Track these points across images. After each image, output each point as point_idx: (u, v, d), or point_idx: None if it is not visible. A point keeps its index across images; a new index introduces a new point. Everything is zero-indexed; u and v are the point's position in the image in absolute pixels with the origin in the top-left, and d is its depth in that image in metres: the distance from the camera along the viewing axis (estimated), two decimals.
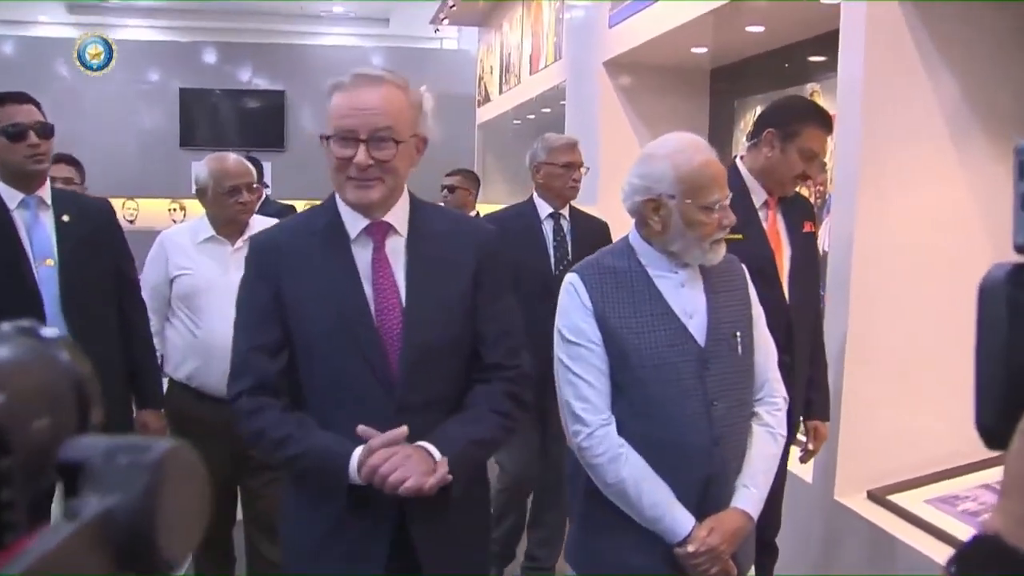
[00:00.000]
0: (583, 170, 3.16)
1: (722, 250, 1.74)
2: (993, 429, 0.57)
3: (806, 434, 2.48)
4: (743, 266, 1.86)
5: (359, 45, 11.40)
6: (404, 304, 1.58)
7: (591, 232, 3.11)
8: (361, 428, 1.49)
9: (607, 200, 4.16)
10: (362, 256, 1.60)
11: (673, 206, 1.71)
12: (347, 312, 1.56)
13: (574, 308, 1.77)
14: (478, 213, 4.18)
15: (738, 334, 1.75)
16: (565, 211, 3.13)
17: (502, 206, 8.50)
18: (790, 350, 2.32)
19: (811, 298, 2.47)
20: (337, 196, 1.63)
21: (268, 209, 3.79)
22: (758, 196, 2.37)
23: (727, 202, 1.73)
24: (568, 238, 3.09)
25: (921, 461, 2.66)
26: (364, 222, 1.60)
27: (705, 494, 1.72)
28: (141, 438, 0.45)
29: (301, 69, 10.70)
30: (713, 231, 1.72)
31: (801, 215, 2.45)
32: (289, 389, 1.59)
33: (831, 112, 2.54)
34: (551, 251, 3.06)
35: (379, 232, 1.62)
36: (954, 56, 2.58)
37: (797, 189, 2.50)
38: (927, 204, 2.63)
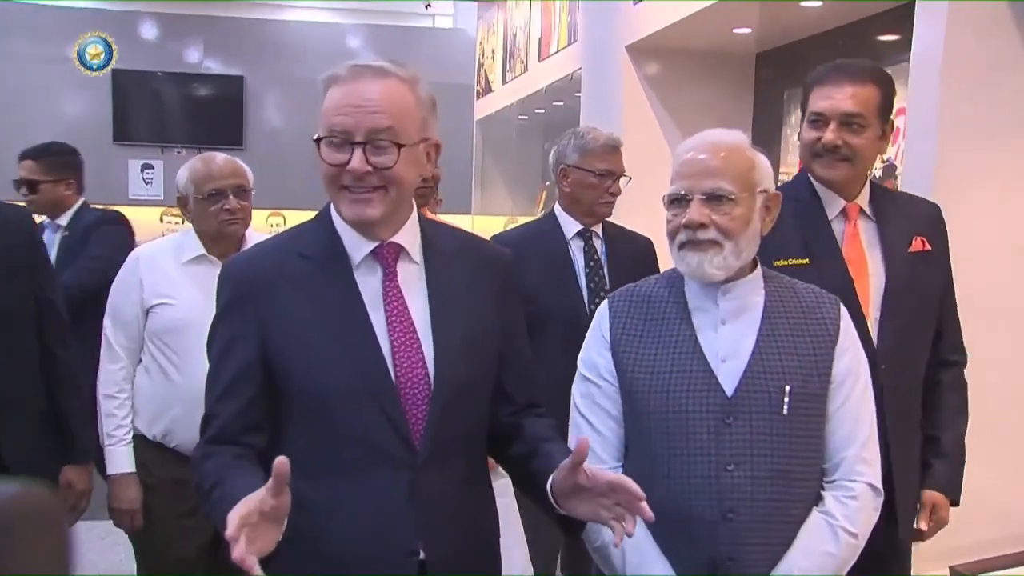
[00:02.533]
0: (624, 180, 2.94)
1: (691, 259, 1.70)
2: None
3: (920, 508, 2.29)
4: (841, 308, 1.79)
5: (333, 22, 11.49)
6: (432, 345, 1.60)
7: (630, 254, 2.93)
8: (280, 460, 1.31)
9: (630, 213, 4.16)
10: (368, 285, 1.61)
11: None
12: (359, 361, 1.56)
13: (593, 339, 1.82)
14: None
15: (788, 388, 1.68)
16: (598, 228, 2.95)
17: (503, 218, 8.54)
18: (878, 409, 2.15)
19: (922, 339, 2.26)
20: (334, 212, 1.64)
21: (87, 217, 3.69)
22: (832, 206, 2.22)
23: (696, 197, 1.69)
24: (604, 262, 2.91)
25: (1016, 535, 2.64)
26: (370, 244, 1.61)
27: None
28: None
29: (263, 50, 10.78)
30: (673, 231, 1.73)
31: (909, 227, 2.24)
32: (275, 448, 1.56)
33: (901, 105, 2.52)
34: (583, 280, 2.87)
35: (389, 256, 1.63)
36: None
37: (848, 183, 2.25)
38: (1021, 214, 2.63)
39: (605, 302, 1.84)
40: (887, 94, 2.19)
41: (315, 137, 1.57)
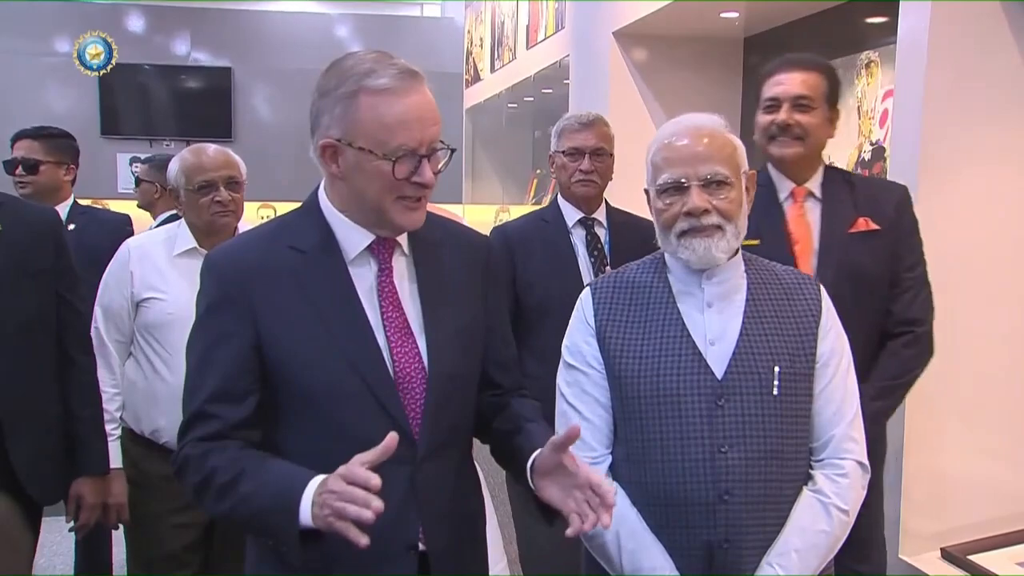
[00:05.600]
0: (605, 158, 2.85)
1: (698, 245, 1.69)
2: None
3: None
4: (822, 290, 1.81)
5: (322, 12, 11.46)
6: (424, 338, 1.61)
7: (634, 241, 2.75)
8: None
9: (619, 199, 4.16)
10: (362, 279, 1.60)
11: (651, 196, 1.78)
12: (357, 355, 1.55)
13: (577, 326, 1.81)
14: None
15: (777, 369, 1.70)
16: (600, 215, 2.87)
17: (494, 207, 8.51)
18: None
19: (857, 317, 2.25)
20: (325, 205, 1.62)
21: (102, 219, 3.53)
22: (783, 189, 2.38)
23: (695, 183, 1.69)
24: (608, 251, 2.82)
25: (1007, 515, 2.65)
26: (367, 239, 1.60)
27: (711, 563, 1.67)
28: None
29: (251, 41, 10.75)
30: (671, 220, 1.72)
31: (854, 209, 2.35)
32: (272, 445, 1.58)
33: (889, 87, 2.53)
34: (584, 270, 2.78)
35: (386, 251, 1.63)
36: None
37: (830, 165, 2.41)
38: (1009, 198, 2.63)
39: (587, 288, 1.84)
40: (832, 83, 2.39)
41: (357, 144, 1.52)
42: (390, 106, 1.51)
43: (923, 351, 2.36)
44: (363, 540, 1.35)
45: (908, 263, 2.36)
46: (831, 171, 2.44)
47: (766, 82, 2.40)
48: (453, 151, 1.58)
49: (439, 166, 1.56)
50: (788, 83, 2.35)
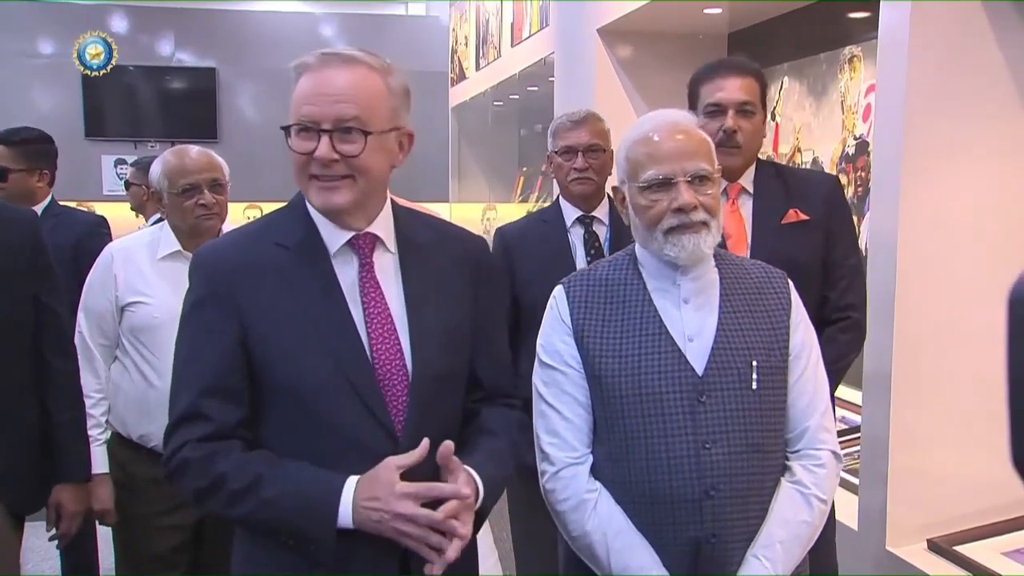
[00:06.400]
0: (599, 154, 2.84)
1: (687, 242, 1.70)
2: None
3: None
4: (789, 282, 1.84)
5: (307, 12, 11.42)
6: (408, 336, 1.61)
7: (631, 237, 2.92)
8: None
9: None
10: (345, 275, 1.61)
11: (626, 192, 1.78)
12: (339, 351, 1.56)
13: (552, 325, 1.81)
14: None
15: (754, 363, 1.72)
16: (602, 212, 2.86)
17: (481, 205, 8.49)
18: None
19: None
20: (308, 202, 1.64)
21: (73, 221, 3.43)
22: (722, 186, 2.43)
23: (682, 179, 1.70)
24: (606, 249, 2.81)
25: (992, 507, 2.67)
26: (346, 234, 1.62)
27: (698, 559, 1.68)
28: None
29: (236, 41, 10.70)
30: (658, 216, 1.72)
31: (784, 201, 2.42)
32: (255, 441, 1.59)
33: (872, 82, 2.54)
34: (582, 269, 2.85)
35: (365, 246, 1.63)
36: None
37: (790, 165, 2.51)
38: (991, 192, 2.64)
39: (560, 287, 1.83)
40: (764, 86, 2.47)
41: (283, 125, 1.57)
42: (303, 82, 1.56)
43: (858, 336, 2.43)
44: (436, 570, 1.45)
45: (842, 251, 2.42)
46: (763, 165, 2.49)
47: (703, 87, 2.42)
48: (369, 135, 1.54)
49: (350, 148, 1.54)
50: (731, 89, 2.38)
